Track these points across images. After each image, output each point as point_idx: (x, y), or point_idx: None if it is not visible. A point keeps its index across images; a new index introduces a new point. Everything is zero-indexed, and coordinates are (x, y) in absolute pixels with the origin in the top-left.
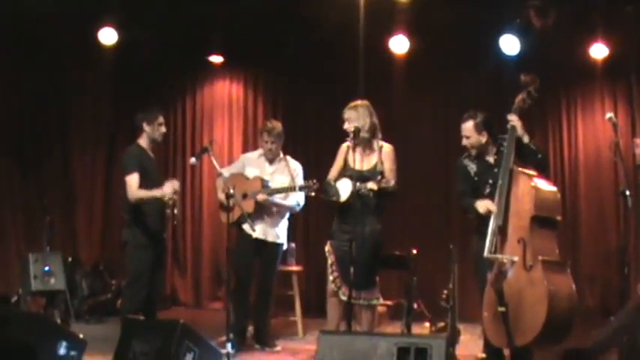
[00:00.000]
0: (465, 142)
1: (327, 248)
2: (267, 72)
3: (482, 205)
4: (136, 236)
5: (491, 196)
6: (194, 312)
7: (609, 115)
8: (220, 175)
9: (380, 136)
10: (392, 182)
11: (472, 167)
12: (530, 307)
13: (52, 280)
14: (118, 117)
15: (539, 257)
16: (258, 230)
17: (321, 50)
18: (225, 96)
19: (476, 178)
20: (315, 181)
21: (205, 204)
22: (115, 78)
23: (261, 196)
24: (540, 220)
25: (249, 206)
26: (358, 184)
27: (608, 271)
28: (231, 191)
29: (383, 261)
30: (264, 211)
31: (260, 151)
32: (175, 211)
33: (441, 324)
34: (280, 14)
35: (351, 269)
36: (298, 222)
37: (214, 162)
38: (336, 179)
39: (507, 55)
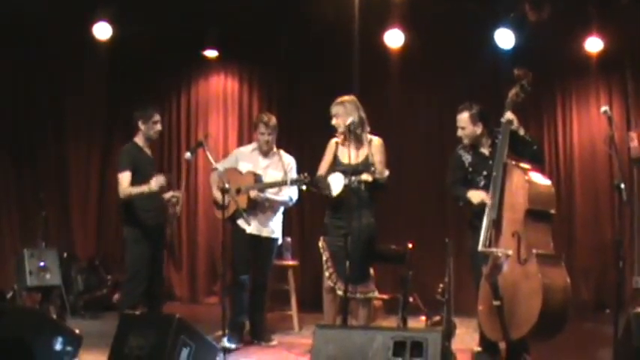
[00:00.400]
0: (460, 132)
1: (320, 244)
2: (262, 66)
3: (477, 196)
4: (132, 232)
5: (485, 189)
6: (190, 307)
7: (604, 108)
8: (215, 169)
9: (368, 129)
10: (386, 173)
11: (467, 158)
12: (525, 300)
13: (48, 276)
14: (113, 112)
15: (534, 250)
16: (252, 225)
17: (316, 44)
18: (219, 90)
19: (470, 169)
20: (306, 174)
21: (200, 199)
22: (110, 72)
23: (253, 192)
24: (534, 214)
25: (242, 201)
26: (353, 177)
27: (603, 264)
28: (227, 186)
29: (379, 255)
30: (257, 206)
31: (254, 145)
32: (178, 210)
33: (437, 318)
34: (275, 9)
35: (347, 264)
36: (294, 217)
37: (209, 156)
38: (327, 174)
39: (502, 48)
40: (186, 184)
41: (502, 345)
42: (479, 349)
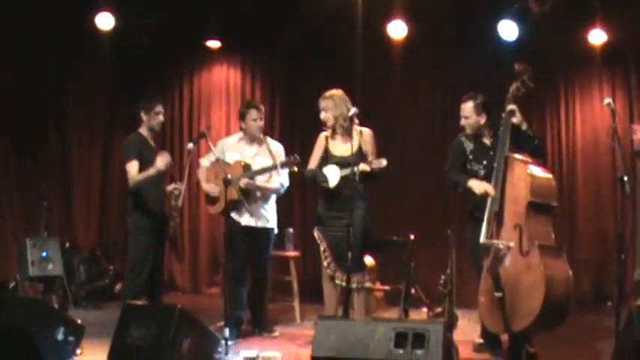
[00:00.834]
0: (463, 122)
1: (316, 235)
2: (265, 57)
3: (480, 186)
4: (137, 221)
5: (484, 178)
6: (192, 297)
7: (607, 100)
8: (199, 166)
9: (357, 121)
10: (384, 162)
11: (468, 145)
12: (527, 292)
13: (50, 266)
14: (115, 102)
15: (536, 242)
16: (246, 217)
17: (319, 35)
18: (222, 81)
19: (470, 157)
20: (296, 155)
21: (203, 189)
22: (112, 63)
23: (243, 181)
24: (536, 206)
25: (233, 192)
26: (356, 168)
27: (604, 256)
28: (229, 177)
29: (381, 246)
30: (249, 195)
31: (239, 134)
32: (180, 202)
33: (439, 309)
34: None
35: (349, 255)
36: (296, 207)
37: (212, 147)
38: (321, 167)
39: (505, 40)
40: (189, 175)
41: (504, 337)
42: (480, 340)
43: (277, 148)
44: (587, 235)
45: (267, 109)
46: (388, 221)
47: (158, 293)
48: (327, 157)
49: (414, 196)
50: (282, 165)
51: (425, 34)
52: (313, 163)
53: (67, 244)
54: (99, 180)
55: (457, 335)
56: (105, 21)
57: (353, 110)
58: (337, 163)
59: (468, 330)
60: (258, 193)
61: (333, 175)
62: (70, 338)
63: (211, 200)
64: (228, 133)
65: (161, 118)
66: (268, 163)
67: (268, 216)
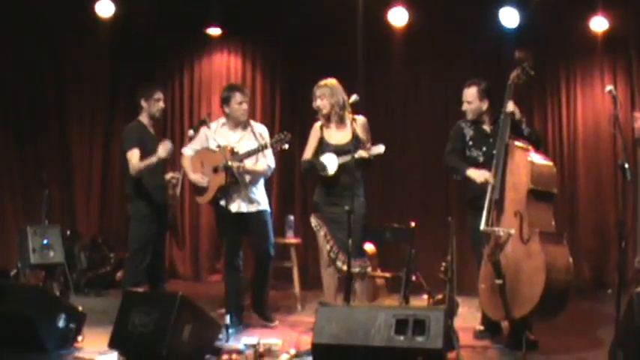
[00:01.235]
0: (465, 107)
1: (314, 222)
2: (266, 44)
3: (480, 175)
4: (138, 209)
5: (484, 165)
6: (193, 285)
7: (609, 87)
8: (182, 155)
9: (350, 110)
10: (382, 148)
11: (468, 131)
12: (528, 279)
13: (51, 254)
14: (116, 89)
15: (537, 229)
16: (236, 204)
17: (320, 22)
18: (223, 69)
19: (470, 143)
20: (286, 132)
21: (190, 180)
22: (113, 50)
23: (233, 165)
24: (537, 194)
25: (222, 179)
26: (357, 155)
27: (605, 244)
28: (229, 163)
29: (381, 233)
30: (239, 180)
31: (222, 120)
32: (177, 191)
33: (440, 296)
34: None
35: (350, 242)
36: (296, 194)
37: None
38: (317, 156)
39: (507, 27)
40: None
41: (504, 324)
42: (481, 327)
43: (261, 130)
44: (588, 222)
45: (267, 97)
46: (389, 208)
47: (159, 281)
48: (322, 146)
49: (414, 183)
50: (275, 143)
51: (426, 21)
52: (308, 153)
53: (68, 232)
54: (100, 167)
55: (458, 322)
56: (105, 8)
57: (354, 97)
58: (334, 152)
59: (468, 317)
60: (248, 177)
61: (331, 163)
62: (71, 325)
63: (199, 190)
64: None
65: (161, 104)
66: (254, 146)
67: (258, 199)
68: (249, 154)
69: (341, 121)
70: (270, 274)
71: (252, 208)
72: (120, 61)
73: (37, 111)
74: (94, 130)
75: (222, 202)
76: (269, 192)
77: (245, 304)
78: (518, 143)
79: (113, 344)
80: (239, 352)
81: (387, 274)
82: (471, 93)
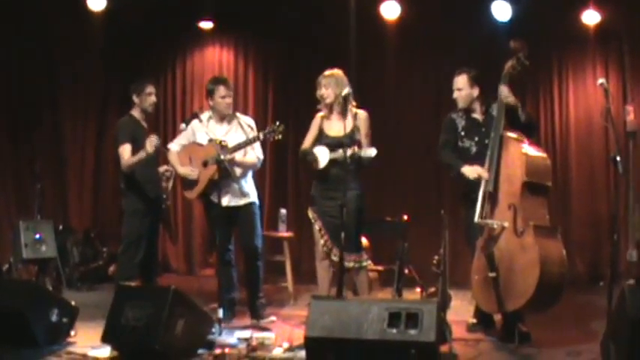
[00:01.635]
0: (456, 94)
1: (310, 215)
2: (258, 38)
3: (473, 171)
4: (132, 203)
5: (479, 157)
6: (186, 279)
7: (601, 80)
8: (168, 150)
9: (354, 103)
10: (373, 152)
11: (460, 122)
12: (522, 272)
13: (44, 248)
14: (108, 83)
15: (531, 223)
16: (226, 198)
17: (312, 16)
18: (215, 62)
19: (462, 133)
20: (279, 123)
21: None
22: (105, 44)
23: (223, 158)
24: (531, 186)
25: (212, 173)
26: (340, 151)
27: (598, 237)
28: (222, 157)
29: (374, 227)
30: (229, 174)
31: (208, 113)
32: (170, 184)
33: (432, 289)
34: None
35: (342, 235)
36: (289, 188)
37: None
38: (312, 147)
39: (499, 20)
40: None
41: (497, 317)
42: (474, 320)
43: (249, 122)
44: (580, 215)
45: (260, 90)
46: (382, 202)
47: (152, 275)
48: (321, 137)
49: (407, 176)
50: (268, 134)
51: (418, 14)
52: (307, 142)
53: (61, 227)
54: (92, 162)
55: (450, 315)
56: (97, 1)
57: (346, 90)
58: (330, 144)
59: (461, 310)
60: (239, 170)
61: (322, 156)
62: (64, 320)
63: (188, 184)
64: None
65: (153, 99)
66: (242, 138)
67: (248, 191)
68: (239, 146)
69: (343, 112)
70: (262, 272)
71: (242, 201)
72: (112, 55)
73: (30, 105)
74: (87, 124)
75: (213, 197)
76: (261, 185)
77: (238, 299)
78: (512, 135)
79: (106, 339)
80: (232, 346)
81: (380, 268)
82: (461, 80)
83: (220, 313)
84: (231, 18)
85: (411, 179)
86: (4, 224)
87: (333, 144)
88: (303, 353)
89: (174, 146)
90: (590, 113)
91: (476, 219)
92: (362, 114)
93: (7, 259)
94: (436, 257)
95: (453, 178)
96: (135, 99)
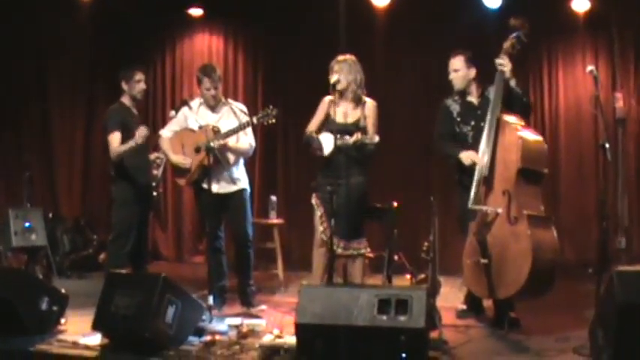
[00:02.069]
0: (452, 76)
1: (313, 201)
2: (247, 25)
3: (467, 157)
4: (122, 191)
5: (473, 141)
6: (176, 266)
7: (590, 68)
8: (159, 137)
9: (365, 91)
10: (376, 138)
11: (455, 107)
12: (514, 262)
13: (33, 236)
14: (97, 71)
15: (524, 212)
16: (217, 185)
17: (302, 2)
18: (205, 49)
19: (458, 119)
20: (271, 107)
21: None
22: (93, 32)
23: (217, 144)
24: (527, 173)
25: (204, 159)
26: (340, 137)
27: (586, 224)
28: (212, 144)
29: (363, 213)
30: (222, 160)
31: (200, 99)
32: (159, 172)
33: (422, 276)
34: None
35: (332, 221)
36: (279, 175)
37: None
38: (318, 133)
39: (489, 8)
40: None
41: (487, 303)
42: (463, 306)
43: (241, 107)
44: (570, 202)
45: (250, 77)
46: (371, 188)
47: (142, 262)
48: (328, 123)
49: (397, 163)
50: (261, 118)
51: (408, 1)
52: (313, 126)
53: (51, 215)
54: (81, 149)
55: (440, 301)
56: None
57: (335, 77)
58: (337, 130)
59: (450, 296)
60: (232, 156)
61: (327, 143)
62: (54, 308)
63: (180, 171)
64: None
65: (142, 86)
66: (234, 124)
67: (239, 177)
68: (232, 131)
69: (354, 99)
70: (252, 259)
71: (233, 188)
72: (100, 42)
73: (17, 93)
74: (75, 111)
75: (204, 184)
76: (251, 172)
77: (228, 286)
78: (509, 118)
79: (96, 326)
80: (222, 333)
81: (370, 254)
82: (457, 61)
83: (211, 300)
84: (221, 5)
85: (400, 165)
86: None
87: (340, 131)
88: (293, 340)
89: (166, 132)
90: (580, 101)
91: (469, 204)
92: (370, 102)
93: None
94: (426, 244)
95: (441, 162)
96: (124, 86)
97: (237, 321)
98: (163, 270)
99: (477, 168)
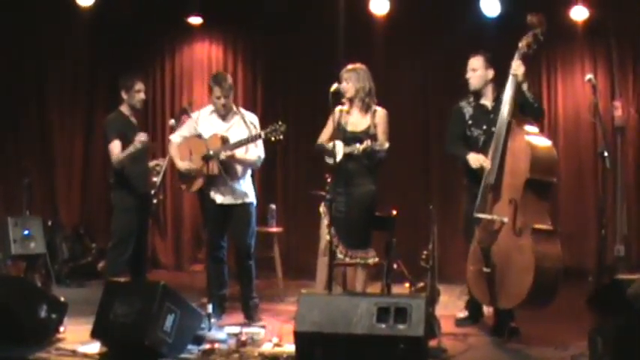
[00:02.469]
0: (469, 75)
1: (321, 209)
2: (247, 33)
3: (475, 160)
4: (121, 199)
5: (484, 145)
6: (175, 274)
7: (589, 76)
8: (169, 142)
9: (375, 100)
10: (386, 145)
11: (468, 110)
12: (516, 274)
13: (32, 244)
14: (96, 78)
15: (530, 224)
16: (221, 196)
17: (301, 11)
18: (204, 58)
19: (470, 122)
20: (280, 122)
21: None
22: (93, 39)
23: (224, 154)
24: (535, 184)
25: (213, 168)
26: (357, 145)
27: (585, 232)
28: (211, 152)
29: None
30: (229, 170)
31: (211, 107)
32: (158, 179)
33: (421, 284)
34: None
35: (332, 230)
36: (278, 183)
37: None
38: (328, 142)
39: (487, 16)
40: None
41: (487, 311)
42: (462, 315)
43: (252, 119)
44: (568, 209)
45: (249, 85)
46: None
47: (141, 270)
48: (338, 132)
49: (396, 171)
50: (269, 133)
51: (406, 10)
52: (325, 136)
53: (50, 222)
54: (81, 157)
55: (439, 310)
56: None
57: (335, 86)
58: (348, 139)
59: (449, 305)
60: (239, 168)
61: (337, 151)
62: (53, 316)
63: (186, 178)
64: None
65: (142, 95)
66: (244, 134)
67: (246, 191)
68: (240, 143)
69: (364, 107)
70: (254, 271)
71: (239, 200)
72: (100, 49)
73: (17, 99)
74: (75, 118)
75: (211, 193)
76: None
77: (228, 294)
78: (520, 124)
79: (95, 334)
80: (221, 341)
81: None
82: (476, 61)
83: (210, 308)
84: (220, 13)
85: (400, 174)
86: None
87: (352, 139)
88: (292, 348)
89: (176, 138)
90: (579, 109)
91: (475, 212)
92: (380, 111)
93: None
94: (425, 252)
95: (440, 170)
96: (123, 95)
97: (236, 329)
98: (162, 278)
99: (485, 174)
